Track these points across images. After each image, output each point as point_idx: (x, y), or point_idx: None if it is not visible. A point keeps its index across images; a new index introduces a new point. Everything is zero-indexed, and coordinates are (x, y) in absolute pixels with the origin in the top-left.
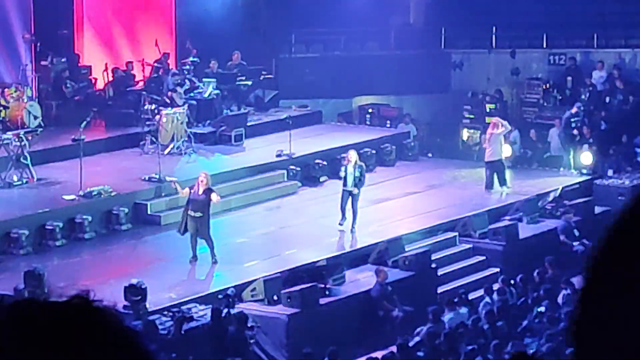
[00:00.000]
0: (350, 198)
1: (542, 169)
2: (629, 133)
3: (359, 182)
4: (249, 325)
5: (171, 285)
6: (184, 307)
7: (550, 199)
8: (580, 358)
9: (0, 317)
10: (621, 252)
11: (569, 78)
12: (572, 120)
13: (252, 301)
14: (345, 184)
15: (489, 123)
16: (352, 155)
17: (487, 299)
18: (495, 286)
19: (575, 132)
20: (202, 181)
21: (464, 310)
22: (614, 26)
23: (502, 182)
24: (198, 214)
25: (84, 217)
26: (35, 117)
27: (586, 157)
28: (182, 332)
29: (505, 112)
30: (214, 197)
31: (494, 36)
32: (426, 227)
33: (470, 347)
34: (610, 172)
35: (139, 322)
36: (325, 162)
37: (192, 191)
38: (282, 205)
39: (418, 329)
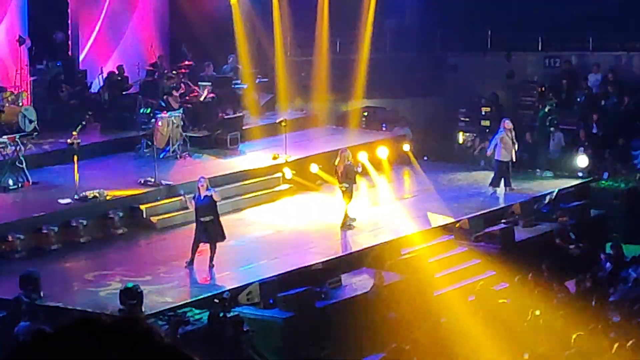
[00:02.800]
0: None
1: (538, 172)
2: (624, 136)
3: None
4: (244, 329)
5: (167, 289)
6: (179, 311)
7: (546, 202)
8: None
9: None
10: None
11: (565, 81)
12: (548, 118)
13: (248, 304)
14: None
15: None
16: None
17: None
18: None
19: (552, 129)
20: (202, 185)
21: None
22: (609, 29)
23: (507, 182)
24: (208, 218)
25: (80, 221)
26: (31, 121)
27: (582, 160)
28: (178, 336)
29: (500, 115)
30: (215, 196)
31: (489, 39)
32: (422, 230)
33: None
34: (605, 175)
35: None
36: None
37: (194, 199)
38: (278, 209)
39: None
